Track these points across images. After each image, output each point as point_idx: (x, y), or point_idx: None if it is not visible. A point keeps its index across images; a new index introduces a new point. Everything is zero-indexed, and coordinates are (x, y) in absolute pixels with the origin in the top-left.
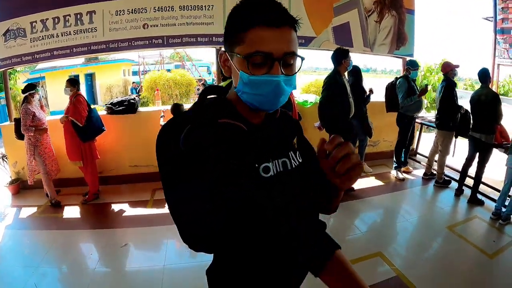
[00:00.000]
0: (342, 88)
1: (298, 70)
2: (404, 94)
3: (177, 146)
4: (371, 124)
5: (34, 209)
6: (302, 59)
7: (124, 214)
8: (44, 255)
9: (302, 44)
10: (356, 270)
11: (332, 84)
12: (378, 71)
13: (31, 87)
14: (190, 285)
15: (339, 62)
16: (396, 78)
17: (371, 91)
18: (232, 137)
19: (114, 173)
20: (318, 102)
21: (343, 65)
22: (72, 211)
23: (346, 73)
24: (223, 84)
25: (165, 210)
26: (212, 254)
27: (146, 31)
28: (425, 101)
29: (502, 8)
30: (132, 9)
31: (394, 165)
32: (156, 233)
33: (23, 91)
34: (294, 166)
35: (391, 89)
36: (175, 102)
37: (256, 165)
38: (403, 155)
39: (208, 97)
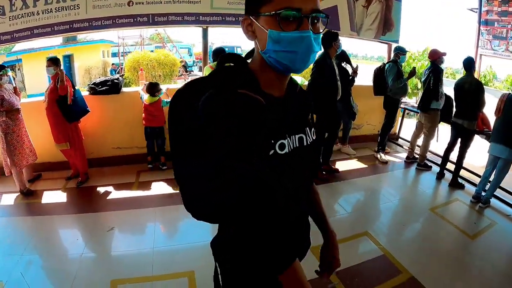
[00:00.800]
0: (331, 71)
1: (324, 30)
2: (394, 77)
3: (192, 113)
4: (356, 106)
5: (15, 196)
6: (328, 17)
7: (109, 197)
8: (28, 243)
9: None
10: (344, 249)
11: (321, 66)
12: (359, 57)
13: None
14: (181, 266)
15: (329, 45)
16: (384, 63)
17: (355, 72)
18: (249, 110)
19: (96, 155)
20: (307, 84)
21: (333, 48)
22: (55, 196)
23: (334, 56)
24: (212, 65)
25: (151, 192)
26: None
27: (131, 9)
28: (408, 87)
29: (487, 0)
30: None
31: (378, 147)
32: (143, 215)
33: None
34: (309, 143)
35: (379, 73)
36: (152, 82)
37: (272, 141)
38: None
39: (226, 65)
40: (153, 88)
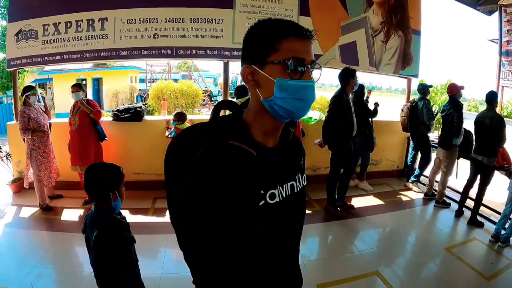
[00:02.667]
0: (348, 108)
1: (318, 80)
2: (430, 115)
3: (183, 163)
4: (375, 139)
5: (35, 209)
6: (321, 68)
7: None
8: (41, 256)
9: None
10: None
11: (338, 103)
12: (383, 89)
13: (27, 89)
14: None
15: (346, 82)
16: (415, 100)
17: (377, 104)
18: (240, 163)
19: None
20: (324, 119)
21: (350, 85)
22: (73, 214)
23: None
24: (239, 101)
25: (165, 219)
26: None
27: (156, 41)
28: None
29: (507, 30)
30: (143, 19)
31: (413, 179)
32: (155, 241)
33: (21, 94)
34: (299, 189)
35: (412, 110)
36: (179, 110)
37: (262, 192)
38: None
39: (221, 113)
40: (183, 116)
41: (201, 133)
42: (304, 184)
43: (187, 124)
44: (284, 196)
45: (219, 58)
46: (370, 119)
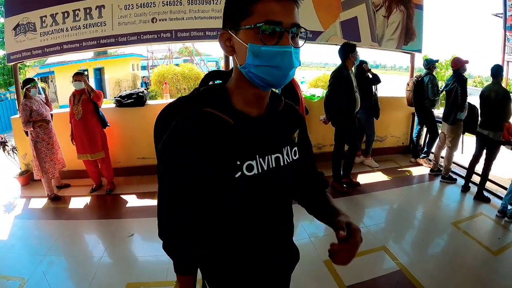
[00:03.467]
0: (348, 83)
1: (303, 45)
2: (435, 90)
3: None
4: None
5: (43, 200)
6: (306, 32)
7: (131, 205)
8: (52, 244)
9: (310, 38)
10: (360, 263)
11: (338, 78)
12: (387, 67)
13: (27, 82)
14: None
15: (346, 57)
16: (421, 75)
17: (369, 71)
18: (213, 131)
19: (122, 164)
20: (324, 95)
21: (350, 60)
22: (80, 202)
23: (353, 68)
24: None
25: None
26: None
27: (155, 25)
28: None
29: None
30: (140, 3)
31: (423, 155)
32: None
33: (22, 87)
34: (287, 162)
35: (418, 85)
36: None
37: (238, 163)
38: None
39: (210, 83)
40: None
41: (184, 102)
42: (295, 158)
43: None
44: (266, 168)
45: (207, 39)
46: (374, 87)
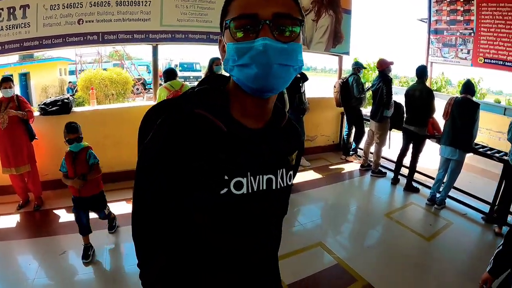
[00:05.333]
0: None
1: (297, 38)
2: (360, 89)
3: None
4: (305, 104)
5: None
6: (301, 22)
7: (62, 220)
8: None
9: None
10: (298, 261)
11: None
12: (318, 70)
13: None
14: None
15: None
16: (346, 77)
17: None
18: (201, 136)
19: (50, 177)
20: None
21: None
22: (6, 221)
23: None
24: (166, 85)
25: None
26: None
27: (81, 27)
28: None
29: (436, 10)
30: (67, 4)
31: (351, 153)
32: (96, 238)
33: None
34: (280, 187)
35: (344, 85)
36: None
37: (226, 178)
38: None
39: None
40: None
41: (175, 101)
42: (289, 183)
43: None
44: (255, 189)
45: (147, 42)
46: (302, 86)
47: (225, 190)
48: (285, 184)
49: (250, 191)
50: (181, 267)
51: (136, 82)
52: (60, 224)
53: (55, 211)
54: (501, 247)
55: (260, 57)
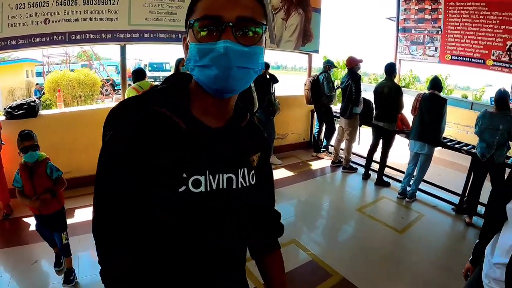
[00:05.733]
0: None
1: (259, 42)
2: (330, 87)
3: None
4: (275, 105)
5: None
6: (264, 26)
7: (32, 228)
8: None
9: None
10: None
11: None
12: (288, 68)
13: None
14: None
15: None
16: (317, 75)
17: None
18: (159, 133)
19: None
20: None
21: None
22: None
23: None
24: (135, 86)
25: (76, 219)
26: None
27: (47, 27)
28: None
29: (404, 9)
30: (33, 3)
31: (322, 150)
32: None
33: None
34: (241, 186)
35: (315, 83)
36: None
37: (184, 175)
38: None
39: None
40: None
41: (136, 99)
42: (252, 182)
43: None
44: (214, 188)
45: (115, 41)
46: (272, 87)
47: (184, 188)
48: (247, 184)
49: (208, 189)
50: (145, 266)
51: (105, 83)
52: (30, 233)
53: (25, 219)
54: (479, 239)
55: (221, 59)
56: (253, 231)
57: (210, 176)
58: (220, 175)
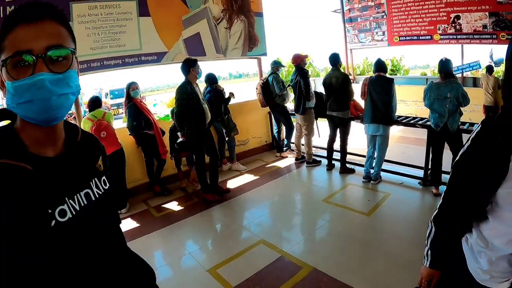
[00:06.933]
0: (194, 97)
1: (71, 66)
2: (280, 86)
3: None
4: (234, 124)
5: None
6: (72, 51)
7: None
8: None
9: (155, 60)
10: (242, 262)
11: (182, 94)
12: (250, 75)
13: None
14: None
15: (188, 72)
16: (266, 77)
17: (231, 94)
18: (12, 184)
19: None
20: (174, 115)
21: (192, 74)
22: None
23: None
24: (90, 116)
25: None
26: None
27: None
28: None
29: (348, 0)
30: None
31: (284, 149)
32: None
33: None
34: (98, 195)
35: (265, 86)
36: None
37: (50, 211)
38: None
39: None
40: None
41: None
42: (106, 187)
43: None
44: (78, 208)
45: None
46: (225, 105)
47: (54, 221)
48: (102, 191)
49: (74, 213)
50: None
51: (68, 116)
52: None
53: None
54: (432, 234)
55: (40, 93)
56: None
57: (71, 201)
58: (78, 194)
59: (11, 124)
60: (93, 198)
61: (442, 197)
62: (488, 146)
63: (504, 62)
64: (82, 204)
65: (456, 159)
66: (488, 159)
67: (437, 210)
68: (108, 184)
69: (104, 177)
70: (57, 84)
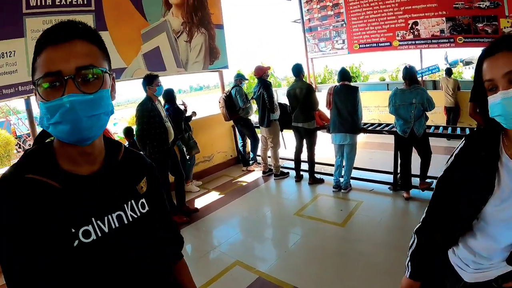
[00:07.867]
0: (156, 114)
1: (103, 85)
2: (243, 99)
3: None
4: (194, 142)
5: None
6: (103, 71)
7: None
8: None
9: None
10: (218, 286)
11: (143, 111)
12: (211, 87)
13: None
14: None
15: (147, 88)
16: (229, 90)
17: (194, 113)
18: (36, 200)
19: None
20: (135, 134)
21: (150, 91)
22: None
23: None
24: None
25: None
26: None
27: None
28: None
29: (307, 10)
30: None
31: (251, 162)
32: None
33: None
34: (132, 219)
35: (228, 99)
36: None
37: (73, 230)
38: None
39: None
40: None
41: (8, 169)
42: (143, 211)
43: None
44: (107, 231)
45: (17, 95)
46: (187, 123)
47: (77, 242)
48: (138, 214)
49: (100, 235)
50: None
51: (26, 138)
52: None
53: None
54: (414, 245)
55: (69, 115)
56: (156, 253)
57: (98, 222)
58: (109, 216)
59: (52, 142)
60: (126, 222)
61: (425, 211)
62: (471, 163)
63: (473, 82)
64: (113, 227)
65: (440, 175)
66: (472, 176)
67: (420, 224)
68: (147, 208)
69: (143, 200)
70: (88, 106)
